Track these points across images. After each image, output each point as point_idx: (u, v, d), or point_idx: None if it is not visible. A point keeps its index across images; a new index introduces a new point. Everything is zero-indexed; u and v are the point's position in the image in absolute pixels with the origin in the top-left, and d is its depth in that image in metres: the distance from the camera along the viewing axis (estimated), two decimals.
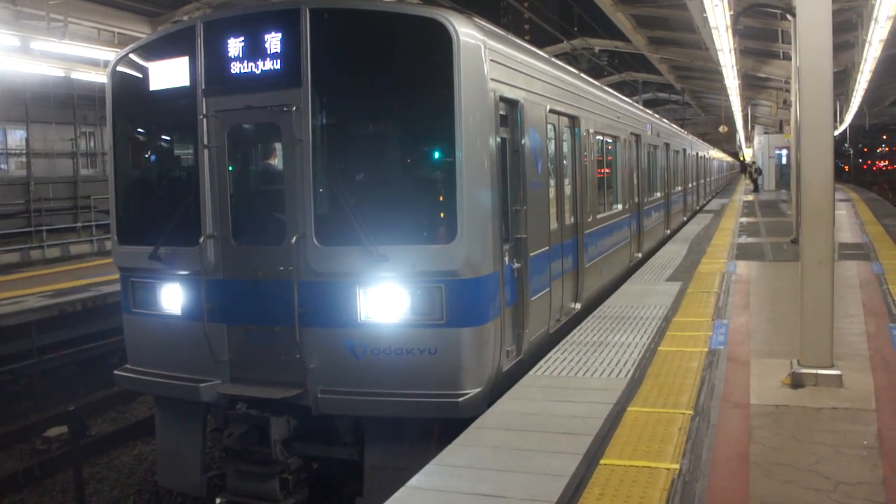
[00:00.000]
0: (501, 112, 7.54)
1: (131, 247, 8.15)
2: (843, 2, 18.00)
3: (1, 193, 27.30)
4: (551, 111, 9.36)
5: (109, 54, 16.61)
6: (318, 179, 7.14)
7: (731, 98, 34.83)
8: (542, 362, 8.04)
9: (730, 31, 17.07)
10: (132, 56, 8.18)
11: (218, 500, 7.62)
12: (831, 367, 7.05)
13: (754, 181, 47.07)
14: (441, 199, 7.09)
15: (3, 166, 28.66)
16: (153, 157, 8.83)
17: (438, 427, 6.97)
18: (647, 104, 43.70)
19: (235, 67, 7.38)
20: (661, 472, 5.27)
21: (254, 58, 7.31)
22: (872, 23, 15.70)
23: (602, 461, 5.47)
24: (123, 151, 8.59)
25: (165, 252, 7.75)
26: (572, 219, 10.47)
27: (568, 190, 10.39)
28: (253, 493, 7.33)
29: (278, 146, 7.52)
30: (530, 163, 8.30)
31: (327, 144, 7.27)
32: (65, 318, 14.58)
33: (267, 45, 7.24)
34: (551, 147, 9.51)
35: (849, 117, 44.01)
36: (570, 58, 29.92)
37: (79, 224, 28.99)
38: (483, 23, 7.72)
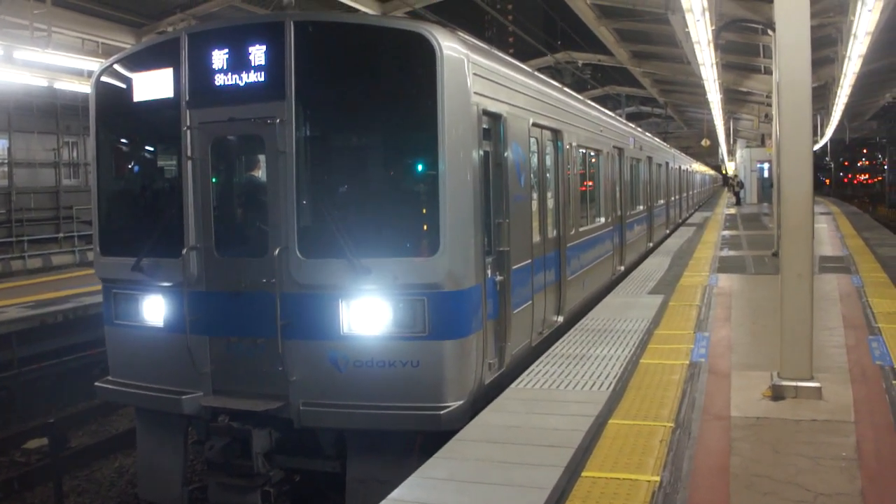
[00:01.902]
0: (484, 125, 7.57)
1: (114, 258, 8.12)
2: (823, 17, 18.18)
3: None
4: (534, 125, 9.41)
5: (93, 65, 16.57)
6: (301, 192, 7.15)
7: (714, 112, 35.08)
8: (524, 375, 8.05)
9: (712, 45, 17.20)
10: (116, 67, 8.17)
11: None
12: (811, 379, 7.11)
13: (736, 194, 47.36)
14: (424, 211, 7.11)
15: None
16: (136, 168, 8.82)
17: (420, 439, 6.98)
18: (631, 118, 43.92)
19: (219, 79, 7.39)
20: (642, 484, 5.29)
21: (238, 70, 7.31)
22: (852, 38, 15.89)
23: (583, 473, 5.49)
24: (106, 162, 8.57)
25: (148, 263, 7.73)
26: (555, 232, 10.51)
27: (551, 203, 10.43)
28: None
29: (262, 158, 7.52)
30: (513, 176, 8.34)
31: (311, 157, 7.28)
32: (46, 330, 14.47)
33: (251, 58, 7.26)
34: (534, 160, 9.57)
35: (829, 131, 44.45)
36: (554, 71, 30.00)
37: (61, 235, 28.83)
38: (466, 37, 7.77)
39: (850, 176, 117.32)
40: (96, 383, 8.35)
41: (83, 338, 14.78)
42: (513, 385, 7.73)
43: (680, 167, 33.80)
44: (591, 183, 13.74)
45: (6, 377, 13.67)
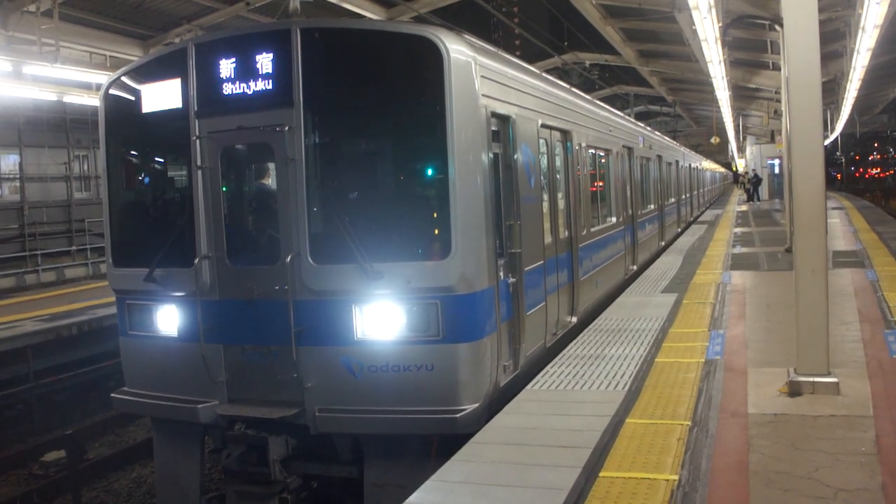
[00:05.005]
0: (493, 128, 7.57)
1: (127, 269, 8.14)
2: (831, 11, 18.11)
3: None
4: (543, 126, 9.39)
5: (102, 77, 16.63)
6: (311, 198, 7.16)
7: (723, 109, 34.99)
8: (539, 376, 8.03)
9: (719, 42, 17.16)
10: (124, 79, 8.20)
11: None
12: (828, 374, 7.06)
13: (748, 191, 47.14)
14: (435, 215, 7.11)
15: None
16: (147, 180, 8.85)
17: (437, 443, 6.97)
18: (639, 117, 43.88)
19: (227, 88, 7.41)
20: (661, 483, 5.27)
21: (246, 78, 7.33)
22: (860, 32, 15.80)
23: (601, 473, 5.47)
24: (117, 174, 8.59)
25: (161, 274, 7.75)
26: (566, 232, 10.49)
27: (561, 204, 10.42)
28: None
29: (271, 166, 7.53)
30: (523, 177, 8.33)
31: (320, 163, 7.29)
32: (61, 342, 14.54)
33: (258, 66, 7.27)
34: (544, 161, 9.55)
35: (840, 126, 44.25)
36: (561, 72, 30.02)
37: (73, 248, 28.96)
38: (473, 40, 7.77)
39: (861, 170, 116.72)
40: (112, 394, 8.39)
41: (98, 349, 14.83)
42: (528, 387, 7.70)
43: (690, 165, 33.72)
44: (601, 183, 13.72)
45: (23, 390, 13.73)
